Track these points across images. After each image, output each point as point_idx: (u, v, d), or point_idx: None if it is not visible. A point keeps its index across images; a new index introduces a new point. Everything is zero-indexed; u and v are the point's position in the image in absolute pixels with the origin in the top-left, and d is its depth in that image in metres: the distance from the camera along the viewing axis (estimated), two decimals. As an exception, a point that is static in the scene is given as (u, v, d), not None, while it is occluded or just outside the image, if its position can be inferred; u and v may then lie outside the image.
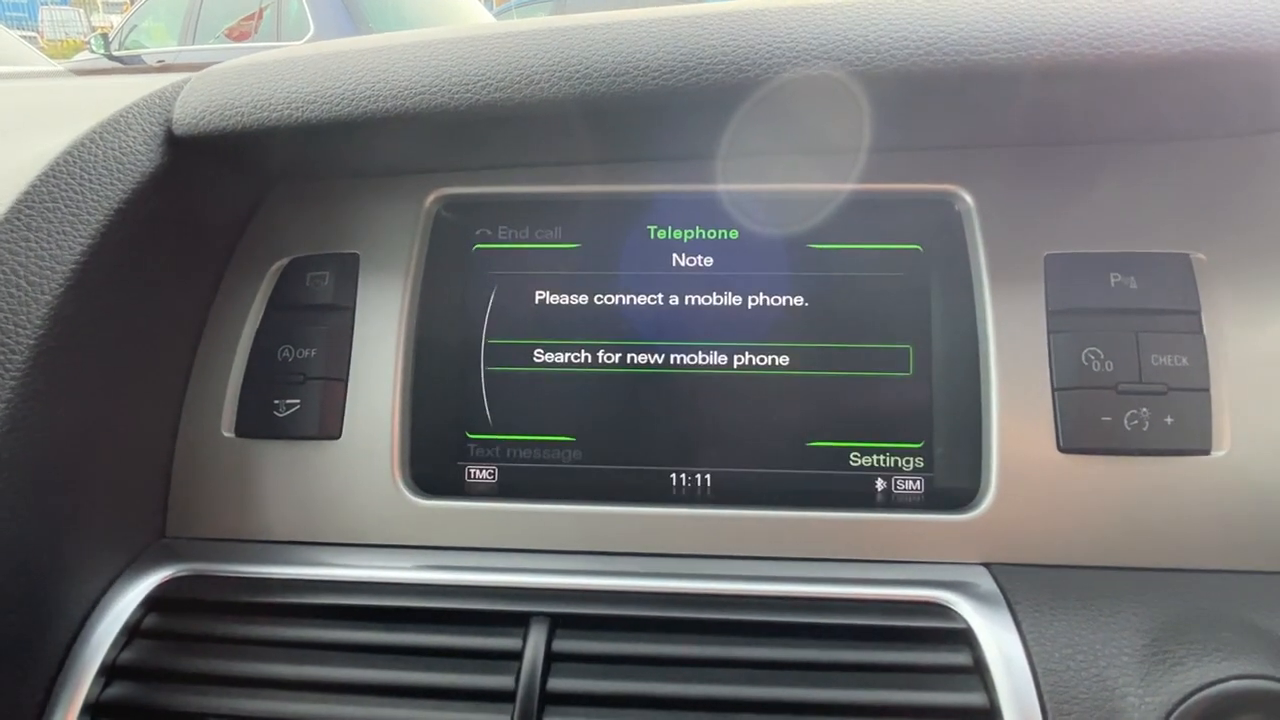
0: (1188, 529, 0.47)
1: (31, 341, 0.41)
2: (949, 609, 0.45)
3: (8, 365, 0.41)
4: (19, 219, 0.43)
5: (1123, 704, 0.40)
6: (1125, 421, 0.48)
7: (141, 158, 0.47)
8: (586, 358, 0.55)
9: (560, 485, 0.55)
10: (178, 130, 0.48)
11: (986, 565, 0.48)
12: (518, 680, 0.43)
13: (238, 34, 4.37)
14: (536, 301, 0.56)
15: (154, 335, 0.51)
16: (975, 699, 0.42)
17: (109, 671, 0.45)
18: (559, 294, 0.56)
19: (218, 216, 0.55)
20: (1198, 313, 0.49)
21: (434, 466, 0.54)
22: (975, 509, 0.48)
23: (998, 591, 0.46)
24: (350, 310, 0.54)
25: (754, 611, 0.46)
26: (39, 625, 0.44)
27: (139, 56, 4.49)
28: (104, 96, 0.51)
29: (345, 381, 0.53)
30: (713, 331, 0.55)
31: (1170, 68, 0.40)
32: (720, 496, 0.53)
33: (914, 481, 0.53)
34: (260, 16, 4.25)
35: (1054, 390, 0.48)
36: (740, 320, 0.55)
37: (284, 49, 0.51)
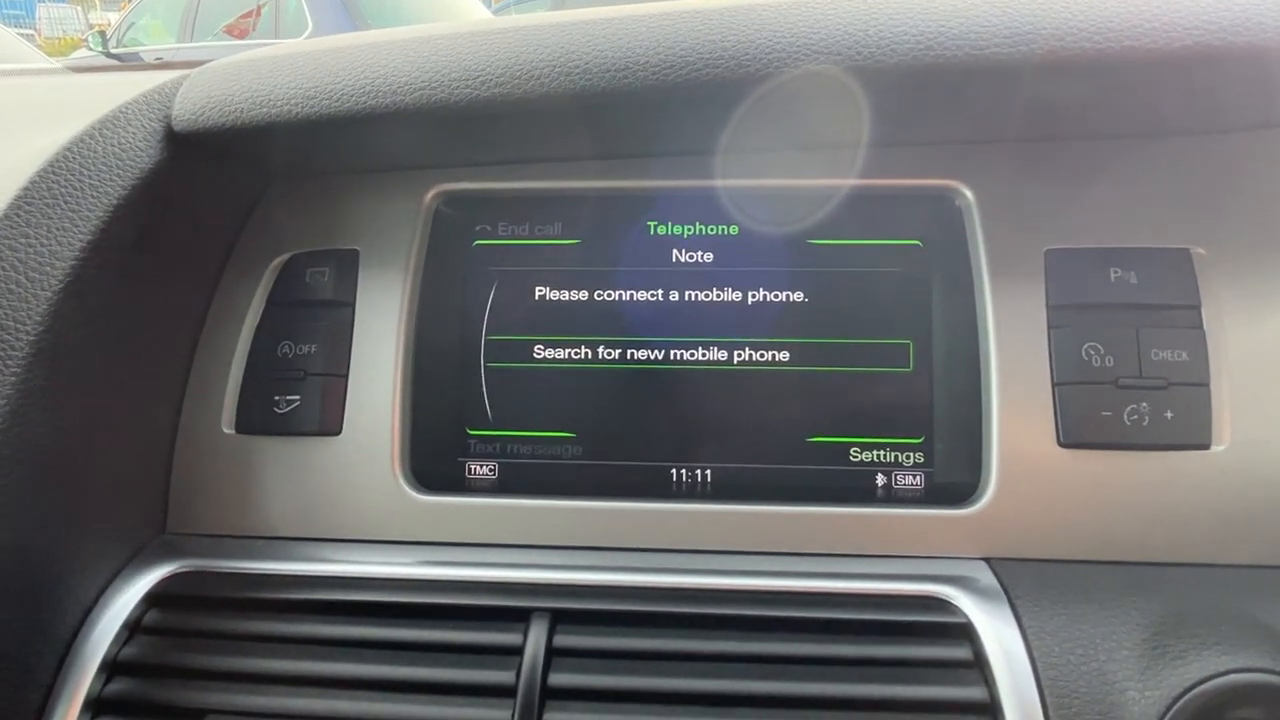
0: (1188, 523, 0.47)
1: (31, 338, 0.41)
2: (949, 604, 0.45)
3: (7, 362, 0.41)
4: (18, 216, 0.43)
5: (1123, 698, 0.40)
6: (1125, 416, 0.48)
7: (141, 154, 0.47)
8: (587, 353, 0.55)
9: (560, 481, 0.55)
10: (177, 126, 0.48)
11: (986, 560, 0.48)
12: (519, 675, 0.43)
13: (236, 31, 4.37)
14: (536, 297, 0.56)
15: (154, 331, 0.51)
16: (975, 693, 0.42)
17: (110, 667, 0.45)
18: (559, 290, 0.56)
19: (217, 212, 0.55)
20: (1198, 307, 0.49)
21: (434, 462, 0.54)
22: (975, 504, 0.48)
23: (998, 586, 0.46)
24: (350, 306, 0.54)
25: (754, 606, 0.46)
26: (40, 621, 0.44)
27: (137, 54, 4.46)
28: (102, 94, 0.51)
29: (345, 377, 0.53)
30: (713, 327, 0.55)
31: (1171, 62, 0.40)
32: (720, 492, 0.53)
33: (914, 476, 0.53)
34: (258, 13, 4.24)
35: (1054, 385, 0.49)
36: (740, 316, 0.55)
37: (283, 45, 0.51)
